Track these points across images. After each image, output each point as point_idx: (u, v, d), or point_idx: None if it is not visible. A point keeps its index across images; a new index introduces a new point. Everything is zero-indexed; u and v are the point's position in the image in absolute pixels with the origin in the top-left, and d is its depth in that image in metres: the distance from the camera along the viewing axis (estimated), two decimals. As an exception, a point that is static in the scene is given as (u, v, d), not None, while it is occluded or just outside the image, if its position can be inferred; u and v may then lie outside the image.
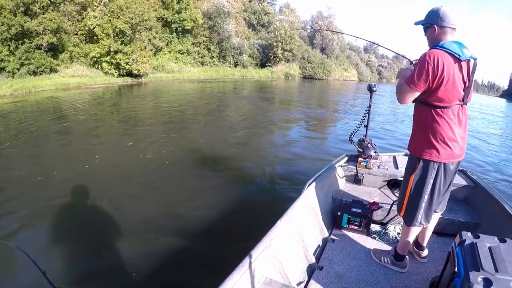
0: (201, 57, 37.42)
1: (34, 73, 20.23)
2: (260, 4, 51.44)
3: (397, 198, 2.93)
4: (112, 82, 24.08)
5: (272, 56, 46.20)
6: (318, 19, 57.68)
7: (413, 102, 2.08)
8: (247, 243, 2.24)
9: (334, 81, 51.40)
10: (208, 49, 38.48)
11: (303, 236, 2.53)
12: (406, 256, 2.40)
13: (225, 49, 39.78)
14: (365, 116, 3.75)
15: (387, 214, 3.02)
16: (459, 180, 3.23)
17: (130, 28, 24.52)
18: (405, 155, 4.02)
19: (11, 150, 6.98)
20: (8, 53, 19.28)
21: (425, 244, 2.51)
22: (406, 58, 2.50)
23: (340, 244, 2.77)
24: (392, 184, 3.49)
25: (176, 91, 22.44)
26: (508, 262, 1.51)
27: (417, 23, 2.11)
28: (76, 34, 24.80)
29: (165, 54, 32.72)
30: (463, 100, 1.95)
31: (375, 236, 2.88)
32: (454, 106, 1.94)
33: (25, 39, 19.85)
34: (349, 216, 2.91)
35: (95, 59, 24.42)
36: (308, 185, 2.92)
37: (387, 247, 2.71)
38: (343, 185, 3.60)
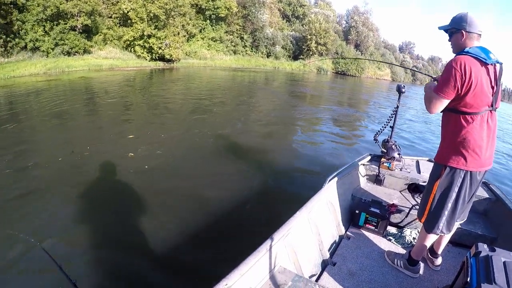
0: (234, 46, 36.82)
1: (68, 54, 20.35)
2: (295, -4, 50.10)
3: (416, 203, 3.10)
4: (144, 66, 24.04)
5: (306, 49, 44.78)
6: (354, 14, 55.49)
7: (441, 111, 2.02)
8: (263, 230, 2.39)
9: (366, 79, 49.33)
10: (241, 38, 37.79)
11: (319, 230, 2.56)
12: (420, 262, 2.39)
13: (258, 39, 38.95)
14: (392, 117, 3.65)
15: (405, 218, 2.99)
16: (481, 192, 3.17)
17: (164, 13, 24.29)
18: (429, 160, 4.05)
19: (42, 128, 7.14)
20: (43, 33, 19.46)
21: (439, 252, 2.47)
22: (428, 75, 2.59)
23: (355, 242, 2.77)
24: (413, 188, 3.45)
25: (207, 77, 22.02)
26: None
27: (441, 28, 2.09)
28: (110, 17, 24.77)
29: (198, 40, 32.37)
30: (492, 105, 1.90)
31: (391, 238, 2.86)
32: (483, 112, 1.89)
33: (60, 20, 19.98)
34: (367, 215, 2.90)
35: (128, 42, 24.39)
36: (329, 180, 2.93)
37: (402, 251, 2.71)
38: (364, 184, 3.60)
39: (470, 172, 1.96)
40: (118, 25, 24.99)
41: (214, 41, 33.97)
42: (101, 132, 7.15)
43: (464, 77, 1.79)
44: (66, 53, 20.21)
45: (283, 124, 9.53)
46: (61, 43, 19.94)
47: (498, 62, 1.88)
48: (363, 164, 3.65)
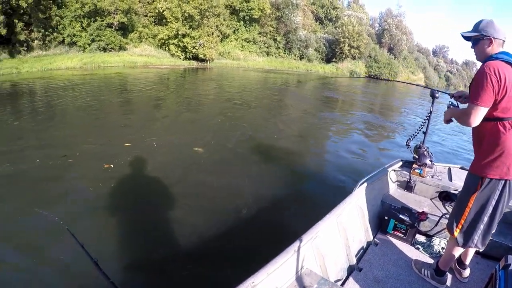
0: (267, 47, 36.10)
1: (104, 50, 20.43)
2: (328, -2, 49.10)
3: (447, 211, 2.98)
4: (178, 64, 23.87)
5: (338, 52, 43.40)
6: (387, 17, 53.80)
7: None
8: (290, 231, 2.68)
9: (399, 83, 47.79)
10: (275, 39, 37.04)
11: (347, 234, 2.49)
12: (447, 273, 2.31)
13: (291, 41, 38.04)
14: (425, 123, 3.55)
15: (435, 226, 2.86)
16: None
17: (198, 14, 24.11)
18: (461, 168, 3.92)
19: (79, 120, 7.38)
20: (81, 29, 19.62)
21: (467, 263, 2.36)
22: (446, 93, 2.73)
23: (382, 249, 2.71)
24: (444, 196, 3.31)
25: (240, 78, 21.52)
26: None
27: (465, 34, 2.01)
28: (146, 15, 24.80)
29: (231, 41, 31.97)
30: None
31: (419, 246, 2.76)
32: None
33: (97, 17, 20.12)
34: (396, 222, 2.83)
35: (163, 41, 24.33)
36: (360, 185, 2.86)
37: (430, 260, 2.61)
38: (394, 190, 3.53)
39: (510, 181, 1.88)
40: (153, 23, 25.01)
41: (248, 42, 33.42)
42: (134, 126, 7.21)
43: (500, 81, 1.75)
44: (102, 49, 20.31)
45: (314, 129, 9.45)
46: (97, 39, 20.08)
47: None
48: (394, 170, 3.57)
